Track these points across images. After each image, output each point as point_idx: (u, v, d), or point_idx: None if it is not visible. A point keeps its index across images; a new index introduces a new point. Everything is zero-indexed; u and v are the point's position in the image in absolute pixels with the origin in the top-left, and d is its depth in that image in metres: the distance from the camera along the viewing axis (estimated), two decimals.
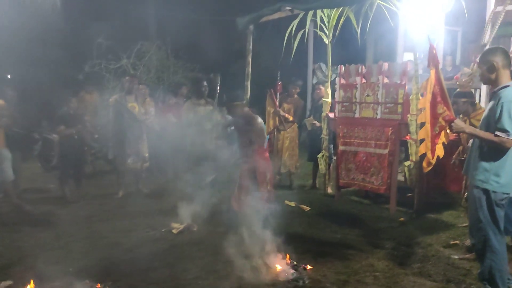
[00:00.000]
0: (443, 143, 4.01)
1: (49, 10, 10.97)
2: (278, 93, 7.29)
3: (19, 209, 6.21)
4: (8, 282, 3.83)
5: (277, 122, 7.32)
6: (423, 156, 4.46)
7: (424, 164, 4.05)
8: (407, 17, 6.16)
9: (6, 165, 6.18)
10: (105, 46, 11.15)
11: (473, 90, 6.25)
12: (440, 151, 3.92)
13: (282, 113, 7.23)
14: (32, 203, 6.46)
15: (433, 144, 3.77)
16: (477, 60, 3.52)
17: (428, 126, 3.76)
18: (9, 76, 12.20)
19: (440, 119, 3.59)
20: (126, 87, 7.18)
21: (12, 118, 6.45)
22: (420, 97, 5.50)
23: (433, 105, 3.72)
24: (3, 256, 4.55)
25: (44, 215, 6.02)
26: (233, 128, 5.33)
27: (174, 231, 5.25)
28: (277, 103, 7.24)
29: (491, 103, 3.35)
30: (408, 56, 9.20)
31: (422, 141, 4.29)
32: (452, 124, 3.45)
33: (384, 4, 6.29)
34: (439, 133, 3.69)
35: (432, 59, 3.91)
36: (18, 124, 6.85)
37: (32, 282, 3.77)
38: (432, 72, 3.85)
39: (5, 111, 6.25)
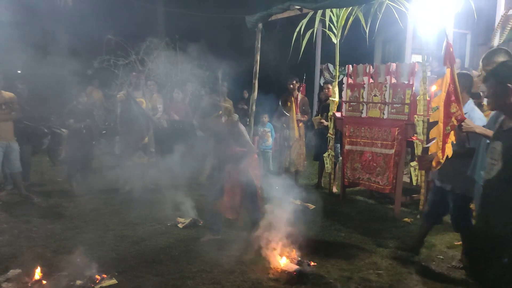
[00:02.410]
0: (452, 142, 4.02)
1: (60, 5, 11.07)
2: (298, 96, 7.33)
3: (28, 200, 6.29)
4: (17, 271, 3.90)
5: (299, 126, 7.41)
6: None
7: (434, 163, 4.06)
8: (416, 19, 6.17)
9: (15, 156, 6.28)
10: (114, 42, 11.24)
11: (481, 93, 6.25)
12: (449, 150, 3.93)
13: (302, 118, 7.30)
14: (40, 196, 6.55)
15: (444, 143, 3.76)
16: (480, 61, 3.51)
17: (440, 125, 3.74)
18: (19, 71, 12.31)
19: (453, 119, 3.59)
20: (133, 83, 7.28)
21: (22, 111, 6.55)
22: (427, 98, 5.51)
23: (447, 104, 3.70)
24: (12, 245, 4.63)
25: (52, 207, 6.10)
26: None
27: (180, 225, 5.31)
28: (298, 109, 7.29)
29: None
30: (416, 58, 9.20)
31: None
32: (462, 123, 3.46)
33: (394, 5, 6.31)
34: (449, 133, 3.68)
35: (449, 57, 3.89)
36: (28, 118, 6.94)
37: (39, 271, 3.85)
38: (448, 70, 3.83)
39: (15, 105, 6.34)
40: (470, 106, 4.04)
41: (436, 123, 3.81)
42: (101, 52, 11.20)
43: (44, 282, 3.75)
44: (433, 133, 3.85)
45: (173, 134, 8.02)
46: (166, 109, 8.15)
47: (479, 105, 4.95)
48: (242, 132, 4.78)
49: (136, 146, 7.09)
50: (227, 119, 4.88)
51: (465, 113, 4.05)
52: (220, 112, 4.86)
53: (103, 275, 3.85)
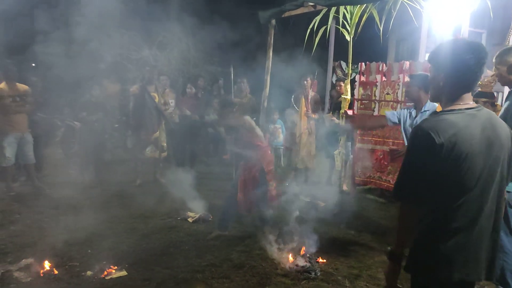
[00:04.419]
0: None
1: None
2: (309, 93, 7.32)
3: (40, 191, 6.38)
4: (29, 260, 3.96)
5: (306, 123, 7.40)
6: None
7: None
8: (431, 17, 6.10)
9: (28, 148, 6.37)
10: (127, 36, 11.26)
11: (495, 93, 6.18)
12: None
13: (313, 116, 7.29)
14: (52, 187, 6.63)
15: None
16: (493, 60, 3.49)
17: None
18: (33, 64, 12.42)
19: None
20: (147, 78, 7.33)
21: (36, 103, 6.63)
22: None
23: None
24: (25, 235, 4.70)
25: (64, 198, 6.15)
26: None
27: (190, 219, 5.34)
28: (309, 106, 7.29)
29: (507, 102, 3.34)
30: None
31: None
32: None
33: (409, 2, 6.24)
34: None
35: None
36: (42, 110, 7.02)
37: (51, 261, 3.91)
38: None
39: (29, 97, 6.42)
40: (431, 105, 4.16)
41: None
42: (114, 45, 11.23)
43: (55, 271, 3.81)
44: None
45: (184, 129, 8.07)
46: (178, 104, 8.19)
47: (493, 105, 4.90)
48: (253, 126, 4.83)
49: (147, 140, 7.15)
50: (239, 115, 4.91)
51: (426, 111, 4.09)
52: (235, 108, 4.90)
53: (114, 267, 3.90)
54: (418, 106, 4.30)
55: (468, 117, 1.90)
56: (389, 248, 2.00)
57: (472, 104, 1.95)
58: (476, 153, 1.85)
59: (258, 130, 4.93)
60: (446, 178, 1.85)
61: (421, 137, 1.83)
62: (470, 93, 1.97)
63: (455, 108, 1.92)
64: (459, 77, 1.92)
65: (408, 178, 1.89)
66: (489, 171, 1.89)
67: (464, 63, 1.89)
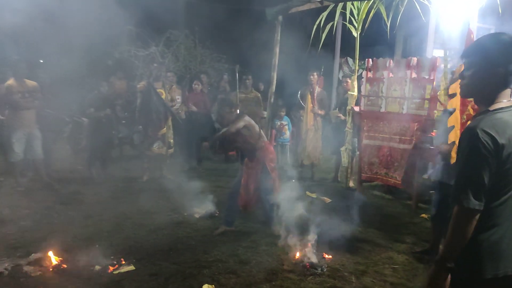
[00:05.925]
0: None
1: None
2: (316, 89, 7.33)
3: (49, 187, 6.43)
4: (38, 255, 4.00)
5: (313, 119, 7.42)
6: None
7: (453, 153, 3.95)
8: (439, 13, 6.06)
9: (37, 144, 6.42)
10: (135, 33, 11.30)
11: None
12: None
13: (320, 112, 7.29)
14: (61, 183, 6.69)
15: (461, 132, 3.68)
16: None
17: (457, 112, 3.68)
18: (41, 61, 12.48)
19: (469, 107, 3.53)
20: (154, 74, 7.36)
21: (45, 99, 6.67)
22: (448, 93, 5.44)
23: None
24: (34, 230, 4.74)
25: (72, 194, 6.23)
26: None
27: (196, 215, 5.36)
28: (316, 102, 7.30)
29: None
30: (438, 53, 9.04)
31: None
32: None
33: None
34: (466, 122, 3.60)
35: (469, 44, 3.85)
36: (50, 106, 7.07)
37: (59, 255, 3.96)
38: None
39: (38, 93, 6.47)
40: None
41: (454, 111, 3.76)
42: (122, 42, 11.28)
43: (64, 266, 3.86)
44: (451, 121, 3.79)
45: (191, 125, 8.10)
46: (184, 101, 8.22)
47: None
48: (252, 125, 4.78)
49: (154, 136, 7.18)
50: (238, 115, 4.83)
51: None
52: (233, 109, 4.85)
53: (122, 261, 3.93)
54: None
55: None
56: (437, 258, 1.88)
57: None
58: None
59: (257, 128, 4.84)
60: (498, 178, 1.81)
61: (483, 139, 1.77)
62: (510, 89, 1.90)
63: (504, 106, 1.86)
64: (509, 72, 1.84)
65: (471, 183, 1.81)
66: None
67: None
